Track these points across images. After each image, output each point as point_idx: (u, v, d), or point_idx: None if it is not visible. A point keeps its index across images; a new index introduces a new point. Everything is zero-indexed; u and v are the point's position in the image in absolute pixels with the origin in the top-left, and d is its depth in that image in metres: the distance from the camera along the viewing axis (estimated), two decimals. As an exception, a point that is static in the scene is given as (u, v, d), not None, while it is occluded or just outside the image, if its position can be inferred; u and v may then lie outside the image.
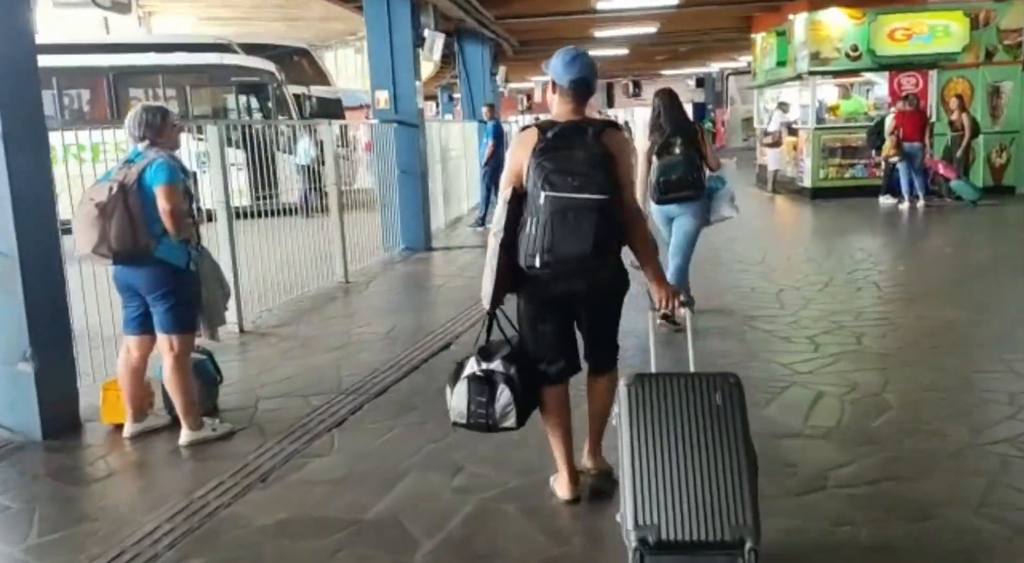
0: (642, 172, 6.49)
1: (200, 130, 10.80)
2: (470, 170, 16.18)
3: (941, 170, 13.82)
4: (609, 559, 3.24)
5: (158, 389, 4.89)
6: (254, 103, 17.03)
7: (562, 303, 3.53)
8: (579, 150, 3.31)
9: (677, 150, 6.33)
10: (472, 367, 3.56)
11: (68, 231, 4.62)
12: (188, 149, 7.13)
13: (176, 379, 4.56)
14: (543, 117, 3.72)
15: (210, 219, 7.23)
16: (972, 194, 13.49)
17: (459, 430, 4.37)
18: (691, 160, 6.35)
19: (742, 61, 29.00)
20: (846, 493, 3.73)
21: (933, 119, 14.51)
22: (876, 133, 14.13)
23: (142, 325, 4.60)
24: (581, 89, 3.48)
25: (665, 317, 6.21)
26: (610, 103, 42.35)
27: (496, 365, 3.52)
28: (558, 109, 3.53)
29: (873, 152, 14.55)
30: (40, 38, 15.88)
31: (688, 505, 2.83)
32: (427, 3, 11.27)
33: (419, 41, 10.92)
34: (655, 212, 6.63)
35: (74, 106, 17.47)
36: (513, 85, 28.33)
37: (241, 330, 7.08)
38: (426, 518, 3.65)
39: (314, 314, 7.86)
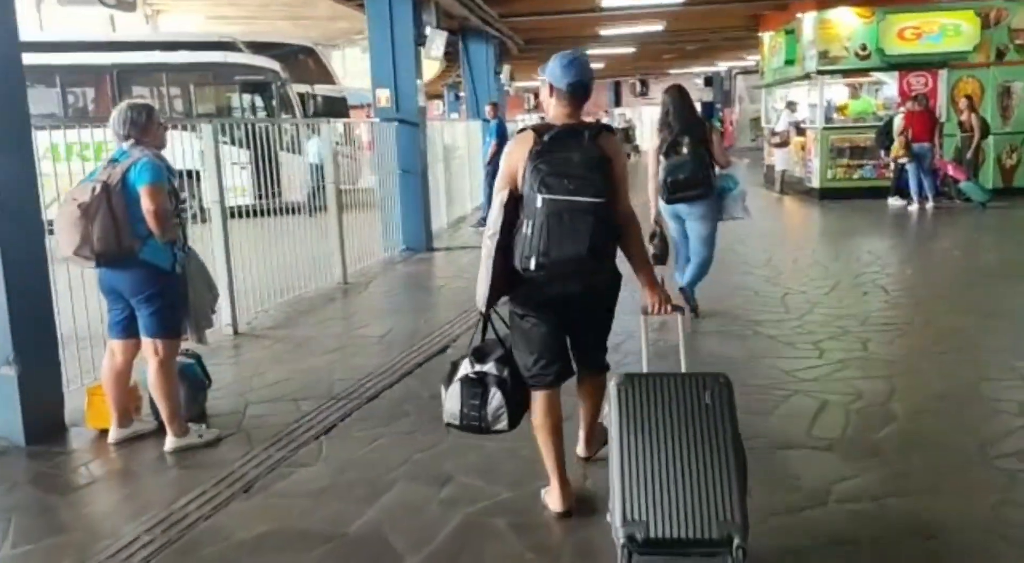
0: (651, 170, 6.53)
1: (229, 128, 10.78)
2: (473, 169, 16.05)
3: (950, 171, 13.65)
4: (600, 578, 3.12)
5: (145, 394, 4.79)
6: (258, 102, 16.91)
7: (557, 305, 3.50)
8: (575, 153, 3.30)
9: (685, 149, 6.29)
10: (466, 368, 3.57)
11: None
12: (192, 148, 7.07)
13: (161, 384, 4.44)
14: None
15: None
16: (982, 196, 13.31)
17: (450, 437, 4.48)
18: (699, 159, 6.31)
19: (750, 60, 28.82)
20: (849, 509, 3.59)
21: (943, 119, 14.33)
22: (885, 133, 13.95)
23: (127, 329, 4.48)
24: (578, 92, 3.48)
25: (691, 309, 6.51)
26: (617, 102, 42.27)
27: (489, 367, 3.54)
28: (554, 112, 3.52)
29: (882, 152, 14.38)
30: (45, 36, 15.88)
31: (676, 502, 2.84)
32: (429, 1, 11.14)
33: (421, 39, 10.79)
34: (664, 211, 6.60)
35: (78, 104, 17.40)
36: (520, 83, 28.19)
37: (235, 332, 6.98)
38: (411, 532, 3.52)
39: (311, 315, 7.74)
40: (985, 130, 13.72)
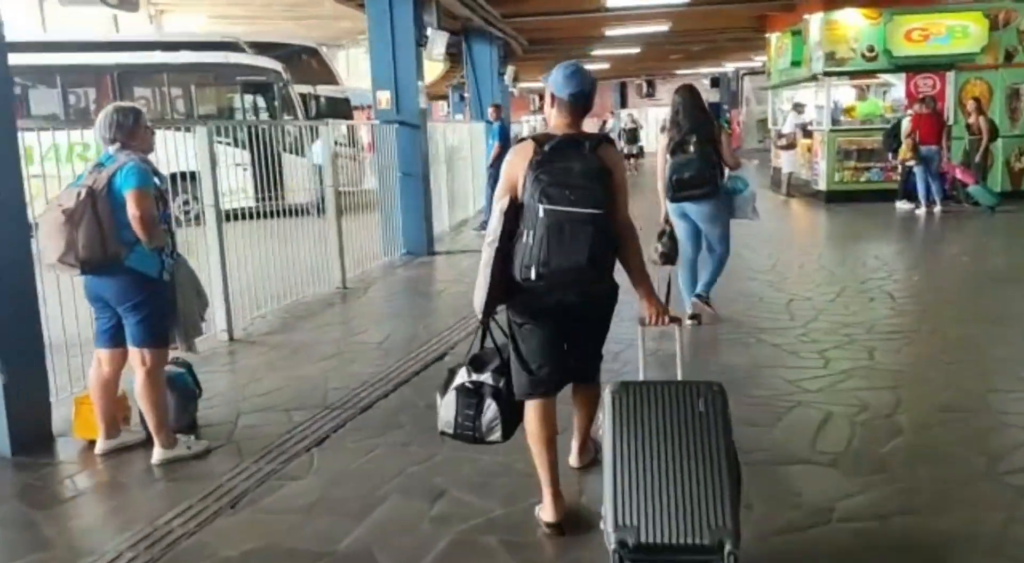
0: (660, 168, 6.51)
1: (227, 130, 10.67)
2: (476, 172, 15.94)
3: (958, 175, 13.50)
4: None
5: (134, 404, 4.67)
6: (260, 102, 16.82)
7: (555, 314, 3.48)
8: (576, 163, 3.31)
9: (691, 148, 6.29)
10: (462, 377, 3.58)
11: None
12: (193, 149, 6.97)
13: (148, 395, 4.34)
14: None
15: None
16: (990, 200, 13.16)
17: (445, 449, 4.39)
18: (705, 159, 6.29)
19: (757, 61, 28.68)
20: (853, 528, 3.48)
21: (950, 122, 14.19)
22: (892, 136, 13.81)
23: (114, 337, 4.39)
24: (579, 103, 3.49)
25: (693, 316, 6.65)
26: (623, 103, 42.11)
27: (486, 377, 3.54)
28: (555, 121, 3.53)
29: (889, 155, 14.24)
30: (45, 36, 15.73)
31: (668, 508, 2.86)
32: (430, 1, 11.03)
33: (422, 40, 10.68)
34: (671, 209, 6.59)
35: (80, 105, 17.31)
36: (524, 85, 28.08)
37: (231, 338, 6.87)
38: (401, 551, 3.42)
39: (308, 320, 7.64)
40: (993, 133, 13.57)
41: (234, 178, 8.42)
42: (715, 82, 38.61)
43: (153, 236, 4.17)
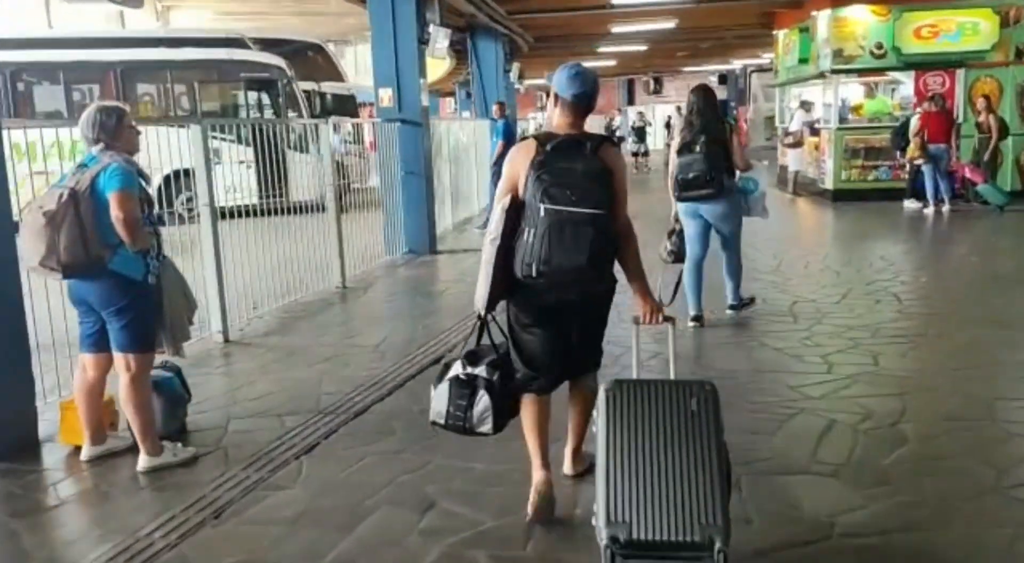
0: (671, 168, 6.58)
1: (227, 129, 10.64)
2: (481, 170, 15.82)
3: (967, 173, 13.34)
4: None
5: (121, 408, 4.57)
6: (265, 99, 16.72)
7: (554, 312, 3.57)
8: (578, 164, 3.37)
9: (698, 148, 6.32)
10: (457, 370, 3.61)
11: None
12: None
13: (133, 401, 4.24)
14: None
15: (222, 217, 7.08)
16: (1000, 199, 13.01)
17: (437, 457, 4.29)
18: (712, 159, 6.30)
19: (765, 58, 28.46)
20: (854, 545, 3.37)
21: (960, 120, 14.02)
22: (900, 134, 13.66)
23: (98, 342, 4.29)
24: (582, 103, 3.54)
25: (695, 319, 6.68)
26: (630, 100, 41.94)
27: (480, 370, 3.57)
28: (558, 121, 3.58)
29: (897, 154, 14.09)
30: (50, 33, 15.73)
31: (659, 505, 2.89)
32: (433, -3, 10.92)
33: (424, 37, 10.56)
34: (683, 209, 6.64)
35: (84, 101, 17.23)
36: (530, 81, 27.93)
37: (226, 339, 6.78)
38: (386, 567, 3.32)
39: (305, 321, 7.55)
40: (1003, 131, 13.39)
41: (238, 175, 8.36)
42: (723, 79, 38.33)
43: (137, 238, 4.07)
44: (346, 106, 18.31)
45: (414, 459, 4.31)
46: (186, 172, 6.83)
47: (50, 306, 5.02)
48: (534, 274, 3.34)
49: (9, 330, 4.58)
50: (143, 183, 4.19)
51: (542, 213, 3.28)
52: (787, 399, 5.01)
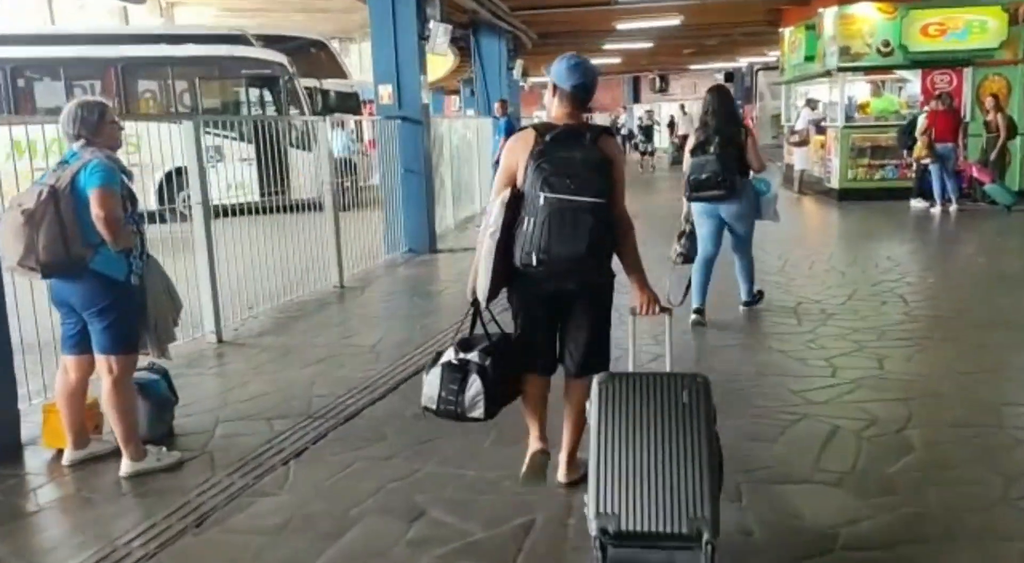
0: (686, 168, 6.60)
1: (214, 125, 10.54)
2: (483, 168, 15.68)
3: (975, 173, 13.19)
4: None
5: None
6: (266, 96, 16.60)
7: (551, 301, 3.61)
8: (577, 153, 3.39)
9: (712, 148, 6.36)
10: (449, 355, 3.62)
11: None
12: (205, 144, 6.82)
13: (115, 404, 4.12)
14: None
15: (218, 216, 7.03)
16: (1007, 199, 12.84)
17: (428, 465, 4.15)
18: (724, 160, 6.33)
19: (771, 56, 28.30)
20: (858, 559, 3.23)
21: (967, 119, 13.88)
22: (907, 133, 13.50)
23: (80, 344, 4.17)
24: (581, 94, 3.57)
25: (697, 311, 6.66)
26: (636, 98, 41.75)
27: (473, 356, 3.57)
28: (556, 112, 3.61)
29: (904, 153, 13.93)
30: (51, 28, 15.67)
31: (648, 497, 2.91)
32: (433, -8, 10.78)
33: (425, 33, 10.43)
34: (701, 210, 6.66)
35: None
36: (536, 79, 27.78)
37: (219, 339, 6.66)
38: (370, 579, 3.19)
39: (301, 322, 7.43)
40: (1012, 130, 13.22)
41: (239, 173, 8.26)
42: (729, 77, 38.10)
43: (119, 237, 3.95)
44: (349, 103, 18.20)
45: (404, 465, 4.19)
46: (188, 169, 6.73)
47: (35, 306, 4.90)
48: (534, 263, 3.36)
49: (-9, 330, 4.47)
50: (126, 180, 4.06)
51: (542, 202, 3.31)
52: (790, 404, 4.88)
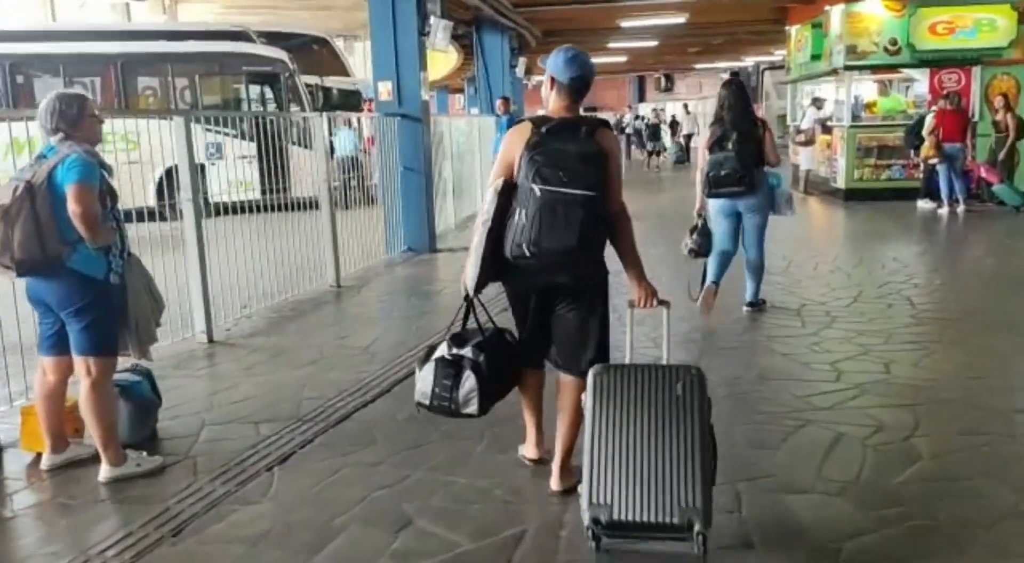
0: (700, 164, 6.64)
1: (213, 121, 10.43)
2: (484, 168, 15.54)
3: (983, 173, 13.02)
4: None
5: (88, 414, 4.33)
6: (267, 93, 16.47)
7: (542, 293, 3.60)
8: (572, 146, 3.37)
9: (730, 145, 6.35)
10: (442, 351, 3.60)
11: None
12: (204, 141, 6.71)
13: (93, 408, 3.98)
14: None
15: (218, 213, 6.91)
16: (1016, 199, 12.69)
17: (417, 472, 4.05)
18: (743, 156, 6.34)
19: (777, 55, 28.12)
20: (861, 575, 3.09)
21: (976, 119, 13.70)
22: (914, 132, 13.33)
23: (58, 344, 4.04)
24: (578, 87, 3.56)
25: (714, 282, 6.70)
26: (641, 97, 41.58)
27: (466, 351, 3.56)
28: (553, 105, 3.59)
29: (911, 152, 13.77)
30: (50, 25, 15.53)
31: (641, 487, 2.95)
32: (434, -12, 10.64)
33: (425, 29, 10.29)
34: (718, 207, 6.69)
35: (86, 95, 17.05)
36: (539, 77, 27.69)
37: (210, 340, 6.53)
38: (350, 594, 3.05)
39: (294, 322, 7.29)
40: (1021, 130, 13.04)
41: (239, 170, 8.15)
42: (735, 76, 37.98)
43: (97, 234, 3.81)
44: (351, 101, 18.08)
45: (393, 472, 4.05)
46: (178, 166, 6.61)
47: (17, 305, 4.76)
48: (525, 254, 3.34)
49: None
50: (105, 175, 3.92)
51: (536, 193, 3.29)
52: (793, 409, 4.73)
